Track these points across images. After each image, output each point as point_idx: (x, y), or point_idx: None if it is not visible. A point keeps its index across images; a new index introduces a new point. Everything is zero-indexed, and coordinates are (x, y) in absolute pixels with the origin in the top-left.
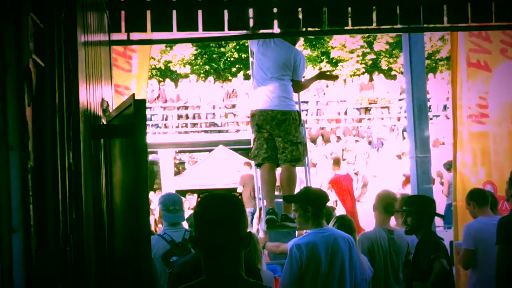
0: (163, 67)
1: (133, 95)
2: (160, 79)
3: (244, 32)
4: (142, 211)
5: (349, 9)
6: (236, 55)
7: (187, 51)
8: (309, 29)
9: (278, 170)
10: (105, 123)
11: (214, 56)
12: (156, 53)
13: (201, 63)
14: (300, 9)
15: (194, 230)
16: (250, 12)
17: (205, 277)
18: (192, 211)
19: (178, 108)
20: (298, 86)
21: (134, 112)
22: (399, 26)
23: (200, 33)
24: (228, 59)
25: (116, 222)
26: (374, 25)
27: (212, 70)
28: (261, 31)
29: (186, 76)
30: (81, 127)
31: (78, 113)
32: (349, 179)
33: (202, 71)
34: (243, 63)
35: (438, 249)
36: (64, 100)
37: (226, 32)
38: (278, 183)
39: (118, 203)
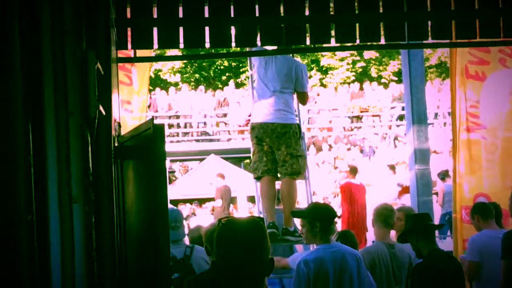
0: (153, 76)
1: (152, 118)
2: (151, 87)
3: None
4: (162, 240)
5: (357, 25)
6: (226, 63)
7: None
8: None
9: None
10: (116, 144)
11: (204, 64)
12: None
13: (191, 72)
14: (308, 25)
15: (216, 256)
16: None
17: None
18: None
19: (170, 117)
20: (303, 97)
21: (154, 136)
22: (404, 42)
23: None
24: (218, 67)
25: (130, 252)
26: (381, 41)
27: (202, 79)
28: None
29: (176, 84)
30: (104, 152)
31: (110, 142)
32: (361, 189)
33: (192, 79)
34: (233, 72)
35: None
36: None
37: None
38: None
39: (132, 228)
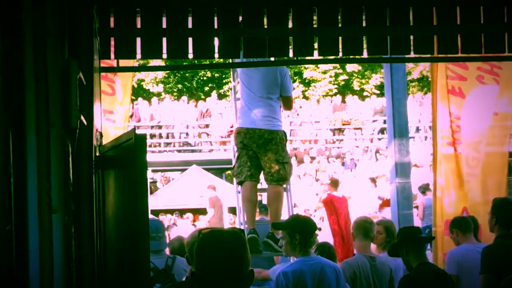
0: (136, 86)
1: (134, 128)
2: (133, 97)
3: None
4: (142, 251)
5: (340, 38)
6: (209, 74)
7: None
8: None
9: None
10: (97, 154)
11: (187, 75)
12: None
13: (174, 82)
14: (291, 38)
15: (195, 266)
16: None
17: None
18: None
19: (152, 127)
20: (289, 101)
21: (136, 146)
22: (386, 56)
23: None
24: (201, 78)
25: (110, 263)
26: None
27: (184, 89)
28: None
29: (159, 95)
30: (85, 162)
31: (92, 152)
32: (344, 202)
33: (175, 90)
34: (216, 83)
35: None
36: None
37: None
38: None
39: (113, 238)
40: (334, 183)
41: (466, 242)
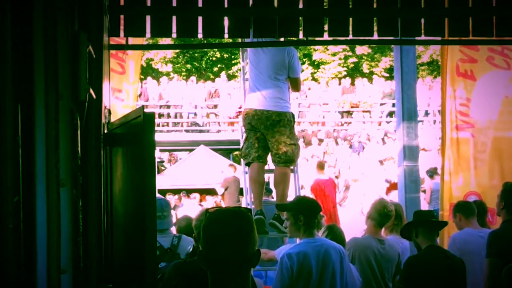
0: (145, 65)
1: (142, 107)
2: (142, 77)
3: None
4: (149, 228)
5: (350, 20)
6: (218, 54)
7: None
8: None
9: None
10: (105, 131)
11: (196, 55)
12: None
13: (183, 62)
14: (301, 18)
15: (201, 245)
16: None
17: None
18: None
19: (160, 107)
20: (297, 83)
21: (144, 124)
22: (396, 38)
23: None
24: (210, 59)
25: (116, 238)
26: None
27: (193, 69)
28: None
29: (168, 74)
30: (93, 136)
31: (101, 126)
32: (331, 184)
33: (183, 70)
34: (225, 63)
35: None
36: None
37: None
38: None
39: (120, 214)
40: (320, 166)
41: (469, 227)
